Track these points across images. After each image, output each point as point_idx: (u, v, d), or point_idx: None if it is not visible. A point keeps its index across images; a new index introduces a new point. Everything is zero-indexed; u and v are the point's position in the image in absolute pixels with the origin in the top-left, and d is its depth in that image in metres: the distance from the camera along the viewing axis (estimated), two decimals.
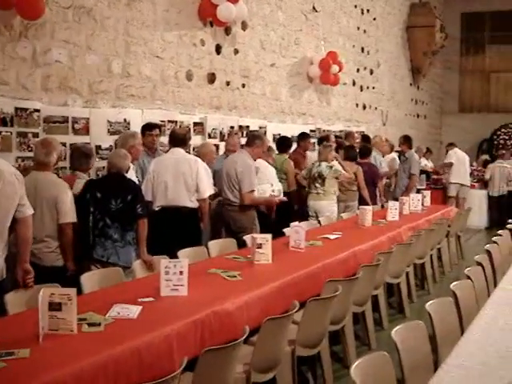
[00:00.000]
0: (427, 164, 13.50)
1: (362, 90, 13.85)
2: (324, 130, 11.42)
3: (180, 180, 5.94)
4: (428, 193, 9.68)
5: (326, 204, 8.06)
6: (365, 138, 10.92)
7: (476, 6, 20.74)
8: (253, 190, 6.55)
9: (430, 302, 3.65)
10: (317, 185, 8.05)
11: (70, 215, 4.66)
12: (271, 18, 9.97)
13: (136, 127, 6.78)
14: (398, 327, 3.16)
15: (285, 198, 7.25)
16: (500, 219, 12.18)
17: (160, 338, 3.13)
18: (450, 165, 12.67)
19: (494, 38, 21.15)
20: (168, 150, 6.36)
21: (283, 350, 3.79)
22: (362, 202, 8.59)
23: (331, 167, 8.06)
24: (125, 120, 6.94)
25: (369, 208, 7.35)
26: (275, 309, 3.97)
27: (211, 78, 8.49)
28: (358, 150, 9.36)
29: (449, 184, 12.71)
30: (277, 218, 7.20)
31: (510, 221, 7.94)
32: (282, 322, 3.59)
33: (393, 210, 7.61)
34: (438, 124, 21.24)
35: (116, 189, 5.00)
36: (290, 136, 9.11)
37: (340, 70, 11.38)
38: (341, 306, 4.45)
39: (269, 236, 4.88)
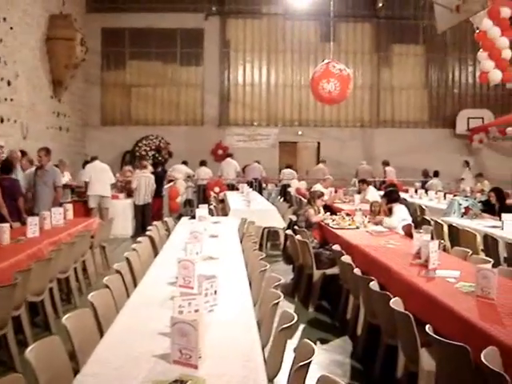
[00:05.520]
0: (69, 177, 13.46)
1: None
2: None
3: None
4: (70, 206, 9.63)
5: None
6: None
7: (116, 21, 21.53)
8: None
9: (67, 315, 3.62)
10: None
11: None
12: None
13: None
14: (31, 347, 3.08)
15: None
16: (144, 227, 12.75)
17: None
18: (86, 184, 12.90)
19: (134, 54, 22.12)
20: None
21: None
22: (2, 219, 8.15)
23: None
24: None
25: (6, 225, 6.98)
26: None
27: None
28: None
29: (88, 196, 12.83)
30: None
31: (149, 228, 8.33)
32: None
33: (32, 225, 7.37)
34: (82, 137, 21.30)
35: None
36: None
37: None
38: None
39: None
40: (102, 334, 3.85)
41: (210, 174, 18.56)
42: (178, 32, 22.15)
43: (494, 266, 5.86)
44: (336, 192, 13.36)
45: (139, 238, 7.16)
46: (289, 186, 18.01)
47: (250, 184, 17.51)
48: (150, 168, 14.74)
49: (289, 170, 19.03)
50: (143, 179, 13.77)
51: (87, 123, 21.79)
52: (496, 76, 12.07)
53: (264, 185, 18.92)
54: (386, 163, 19.37)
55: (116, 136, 21.36)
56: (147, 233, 7.83)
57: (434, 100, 23.08)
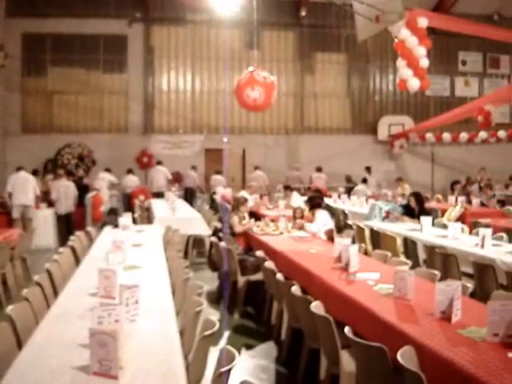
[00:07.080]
0: None
1: None
2: None
3: None
4: None
5: None
6: None
7: (37, 27, 20.90)
8: None
9: None
10: None
11: None
12: None
13: None
14: None
15: None
16: (68, 236, 12.48)
17: None
18: (9, 194, 12.59)
19: (56, 60, 21.55)
20: None
21: None
22: None
23: None
24: None
25: None
26: None
27: None
28: None
29: (12, 207, 12.49)
30: None
31: (71, 238, 8.18)
32: None
33: None
34: (1, 145, 20.61)
35: None
36: None
37: None
38: None
39: None
40: (21, 347, 3.76)
41: (137, 182, 18.35)
42: (101, 38, 21.73)
43: (413, 267, 6.07)
44: (261, 198, 13.46)
45: (61, 249, 7.04)
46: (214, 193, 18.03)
47: (185, 191, 17.60)
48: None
49: (219, 177, 19.03)
50: (62, 188, 13.49)
51: (7, 131, 21.05)
52: (414, 84, 12.45)
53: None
54: (317, 169, 19.74)
55: (38, 144, 20.74)
56: (69, 243, 7.69)
57: (356, 107, 23.59)
